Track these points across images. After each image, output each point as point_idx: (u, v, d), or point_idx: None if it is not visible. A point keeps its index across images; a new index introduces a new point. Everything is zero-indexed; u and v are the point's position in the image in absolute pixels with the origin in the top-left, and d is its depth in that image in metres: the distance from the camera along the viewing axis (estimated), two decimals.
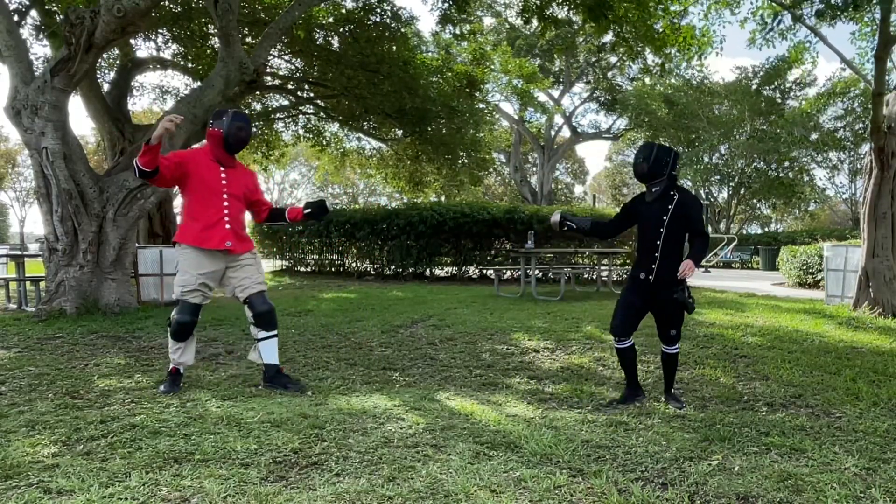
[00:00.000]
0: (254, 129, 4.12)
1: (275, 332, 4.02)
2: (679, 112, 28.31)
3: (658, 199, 3.68)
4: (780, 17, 8.79)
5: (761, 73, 28.40)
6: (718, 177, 30.65)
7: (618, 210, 4.15)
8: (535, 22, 11.07)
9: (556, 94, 31.70)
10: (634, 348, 3.84)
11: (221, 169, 3.89)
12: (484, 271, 13.93)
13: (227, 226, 3.86)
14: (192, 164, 3.83)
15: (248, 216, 4.24)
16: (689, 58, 11.14)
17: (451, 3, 11.72)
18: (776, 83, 28.19)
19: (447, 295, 9.79)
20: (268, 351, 4.00)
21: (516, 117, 30.42)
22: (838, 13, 8.01)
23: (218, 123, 3.84)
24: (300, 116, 16.51)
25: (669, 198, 3.65)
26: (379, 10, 12.65)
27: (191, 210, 3.87)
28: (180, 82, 16.24)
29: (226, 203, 3.87)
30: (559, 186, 45.81)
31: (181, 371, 4.03)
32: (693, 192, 32.70)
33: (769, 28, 8.96)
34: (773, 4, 9.16)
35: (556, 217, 3.87)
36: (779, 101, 28.69)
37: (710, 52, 11.01)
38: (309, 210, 4.11)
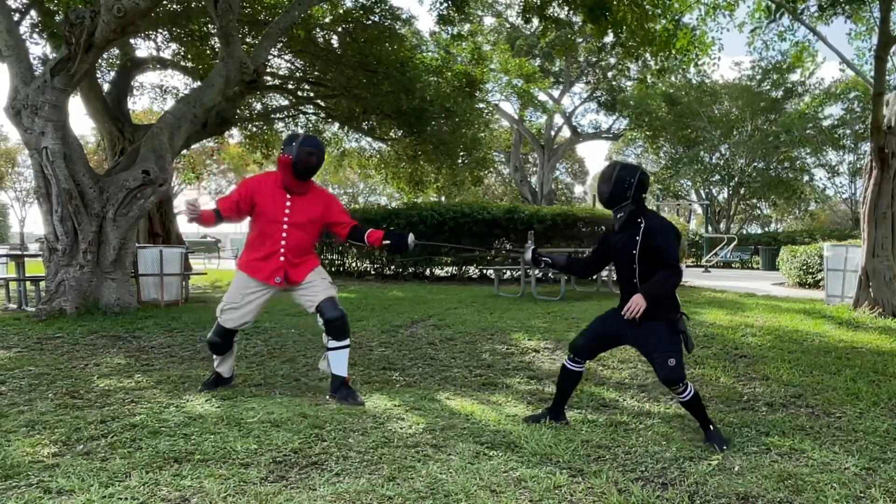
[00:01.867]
0: (322, 149, 3.87)
1: (346, 343, 3.83)
2: (679, 111, 28.32)
3: (624, 228, 3.19)
4: (781, 13, 8.77)
5: (759, 70, 28.38)
6: (718, 177, 30.65)
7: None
8: (535, 22, 11.06)
9: (556, 94, 31.68)
10: (580, 376, 3.43)
11: (287, 196, 3.76)
12: (484, 271, 13.93)
13: (282, 258, 3.75)
14: (259, 193, 3.75)
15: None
16: (689, 62, 11.14)
17: (449, 2, 11.72)
18: (776, 79, 28.15)
19: (447, 295, 9.80)
20: (336, 361, 3.82)
21: (516, 117, 30.41)
22: (839, 7, 8.01)
23: (288, 149, 3.68)
24: (300, 116, 16.51)
25: (636, 226, 3.14)
26: (378, 10, 12.65)
27: (251, 238, 3.84)
28: (180, 82, 16.27)
29: (284, 234, 3.74)
30: (559, 186, 45.80)
31: (224, 376, 4.02)
32: (691, 195, 32.61)
33: (770, 20, 8.94)
34: (772, 3, 9.16)
35: (528, 255, 3.52)
36: (780, 98, 28.67)
37: (708, 61, 11.03)
38: (388, 242, 3.87)
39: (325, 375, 4.02)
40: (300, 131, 16.76)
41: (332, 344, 3.79)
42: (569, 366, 3.37)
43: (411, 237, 3.86)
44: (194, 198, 3.61)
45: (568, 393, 3.44)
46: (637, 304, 3.01)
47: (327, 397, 3.82)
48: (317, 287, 3.81)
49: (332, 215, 3.90)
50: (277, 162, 3.80)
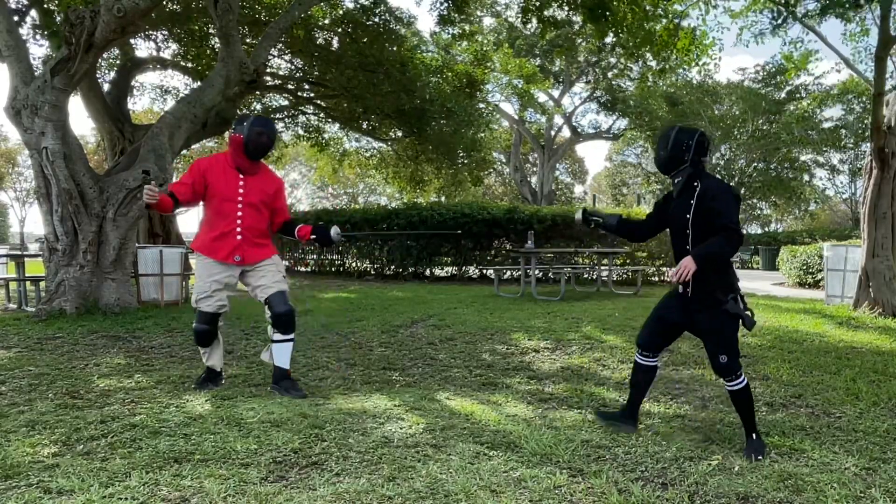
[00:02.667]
0: (277, 133, 3.97)
1: (291, 337, 3.91)
2: (680, 112, 28.32)
3: (681, 194, 3.03)
4: (784, 14, 8.76)
5: (763, 73, 28.38)
6: (719, 177, 30.66)
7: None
8: (534, 22, 11.06)
9: (556, 94, 31.69)
10: (655, 370, 3.24)
11: (240, 176, 3.80)
12: (484, 271, 13.93)
13: (239, 236, 3.77)
14: (211, 172, 3.77)
15: None
16: (690, 63, 11.15)
17: (449, 3, 11.72)
18: (779, 81, 28.16)
19: (447, 295, 9.79)
20: (280, 354, 3.89)
21: (516, 117, 30.41)
22: (836, 12, 8.01)
23: (239, 129, 3.74)
24: (300, 116, 16.52)
25: (692, 190, 2.98)
26: (378, 11, 12.66)
27: (206, 217, 3.85)
28: (180, 82, 16.28)
29: (240, 213, 3.77)
30: (559, 186, 45.79)
31: (216, 370, 4.03)
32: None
33: (774, 25, 8.94)
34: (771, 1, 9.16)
35: (578, 215, 3.41)
36: (781, 99, 28.67)
37: (708, 60, 11.03)
38: (314, 236, 4.02)
39: (268, 363, 4.08)
40: (300, 131, 16.83)
41: (278, 337, 3.85)
42: (638, 360, 3.26)
43: (334, 230, 4.02)
44: (154, 188, 3.58)
45: (638, 392, 3.29)
46: (686, 266, 2.80)
47: (269, 388, 3.93)
48: (269, 276, 3.85)
49: (278, 202, 3.97)
50: (229, 141, 3.84)
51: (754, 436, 2.96)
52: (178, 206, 3.82)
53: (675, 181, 3.05)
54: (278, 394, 3.83)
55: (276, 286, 3.84)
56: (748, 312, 2.93)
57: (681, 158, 2.98)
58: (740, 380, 2.96)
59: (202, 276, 3.82)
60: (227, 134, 17.41)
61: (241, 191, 3.78)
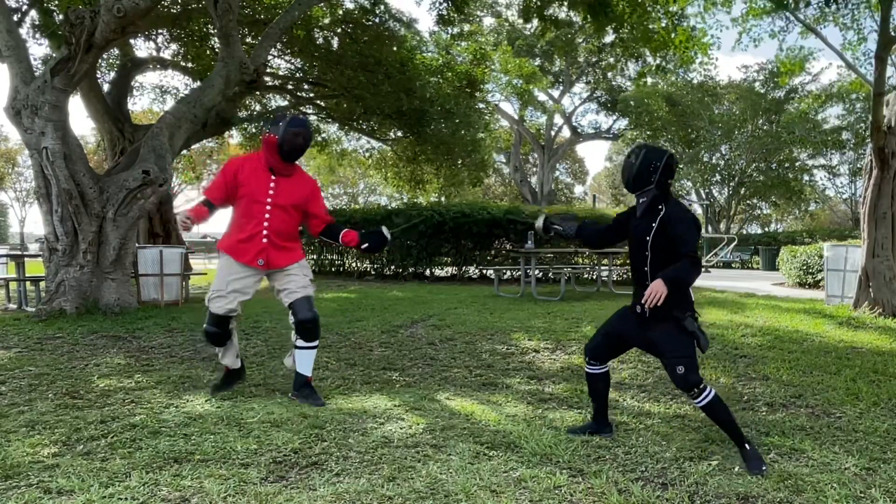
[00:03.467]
0: (313, 134, 3.70)
1: (315, 344, 3.80)
2: (680, 112, 28.33)
3: (644, 214, 3.03)
4: (784, 13, 8.77)
5: (765, 72, 28.38)
6: (719, 177, 30.65)
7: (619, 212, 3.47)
8: (535, 22, 11.06)
9: (556, 94, 31.71)
10: (608, 376, 3.26)
11: (272, 178, 3.68)
12: (484, 271, 13.93)
13: (265, 239, 3.65)
14: (242, 172, 3.68)
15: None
16: (689, 61, 11.15)
17: (448, 3, 11.71)
18: (780, 81, 28.18)
19: (447, 295, 9.79)
20: (303, 360, 3.78)
21: (516, 117, 30.42)
22: (835, 7, 8.00)
23: (274, 129, 3.61)
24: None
25: (655, 213, 2.98)
26: (377, 11, 12.66)
27: (234, 218, 3.75)
28: (180, 82, 16.23)
29: (267, 215, 3.65)
30: (559, 186, 45.79)
31: (233, 367, 3.93)
32: (692, 195, 32.66)
33: (772, 28, 8.96)
34: (771, 2, 9.17)
35: (539, 222, 3.42)
36: (782, 98, 28.67)
37: (706, 59, 11.05)
38: (366, 244, 3.85)
39: (290, 369, 3.97)
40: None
41: (301, 343, 3.76)
42: (589, 370, 3.22)
43: (385, 230, 3.86)
44: (184, 212, 3.56)
45: (601, 399, 3.24)
46: (657, 290, 2.75)
47: (289, 395, 3.81)
48: (296, 280, 3.74)
49: (312, 205, 3.83)
50: (262, 142, 3.73)
51: (747, 446, 2.83)
52: (215, 210, 3.74)
53: (640, 201, 3.04)
54: (298, 401, 3.70)
55: (302, 291, 3.73)
56: (702, 333, 2.90)
57: (647, 179, 2.98)
58: (706, 393, 2.85)
59: (221, 275, 3.71)
60: (227, 135, 17.31)
61: (270, 192, 3.67)
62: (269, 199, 3.66)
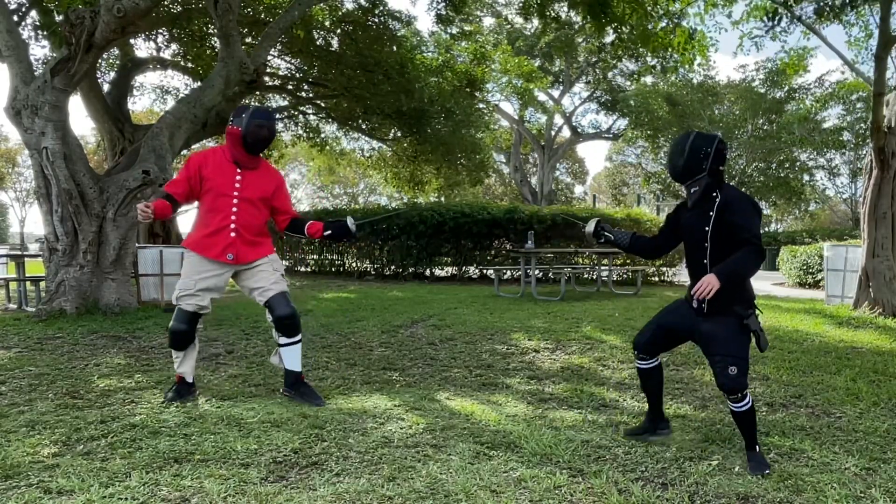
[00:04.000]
0: (277, 125, 3.58)
1: (298, 339, 3.72)
2: (680, 112, 28.32)
3: (698, 204, 2.86)
4: (780, 16, 8.78)
5: (764, 71, 28.37)
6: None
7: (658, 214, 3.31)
8: (535, 21, 11.05)
9: (556, 94, 31.71)
10: (661, 370, 3.12)
11: (238, 171, 3.61)
12: (484, 271, 13.94)
13: (233, 233, 3.57)
14: (206, 166, 3.60)
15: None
16: (688, 62, 11.15)
17: (446, 2, 11.71)
18: (779, 80, 28.16)
19: (447, 295, 9.79)
20: (289, 356, 3.70)
21: (516, 117, 30.42)
22: (836, 13, 8.01)
23: (237, 121, 3.55)
24: (300, 117, 16.52)
25: (711, 201, 2.81)
26: (377, 12, 12.66)
27: (200, 213, 3.66)
28: (180, 82, 16.25)
29: (235, 209, 3.58)
30: (559, 186, 45.80)
31: (187, 380, 3.71)
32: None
33: (769, 27, 8.95)
34: (771, 3, 9.16)
35: (590, 227, 3.21)
36: (782, 98, 28.67)
37: (704, 61, 11.04)
38: (329, 232, 3.78)
39: (279, 367, 3.88)
40: (300, 131, 16.82)
41: (283, 340, 3.67)
42: (639, 364, 3.10)
43: (350, 220, 3.79)
44: (144, 202, 3.49)
45: (655, 395, 3.12)
46: (709, 283, 2.61)
47: (282, 391, 3.76)
48: (266, 277, 3.65)
49: (278, 199, 3.76)
50: (226, 134, 3.62)
51: (757, 448, 2.82)
52: (178, 206, 3.68)
53: (692, 191, 2.87)
54: (294, 399, 3.64)
55: (276, 287, 3.64)
56: (762, 333, 2.79)
57: (698, 167, 2.81)
58: (746, 400, 2.74)
59: (189, 272, 3.60)
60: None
61: (237, 185, 3.59)
62: (235, 193, 3.59)
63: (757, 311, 2.81)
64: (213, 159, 3.63)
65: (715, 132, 3.25)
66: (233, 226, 3.58)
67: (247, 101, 14.93)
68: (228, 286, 3.91)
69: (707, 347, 2.83)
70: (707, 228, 2.80)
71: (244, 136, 3.53)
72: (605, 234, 3.20)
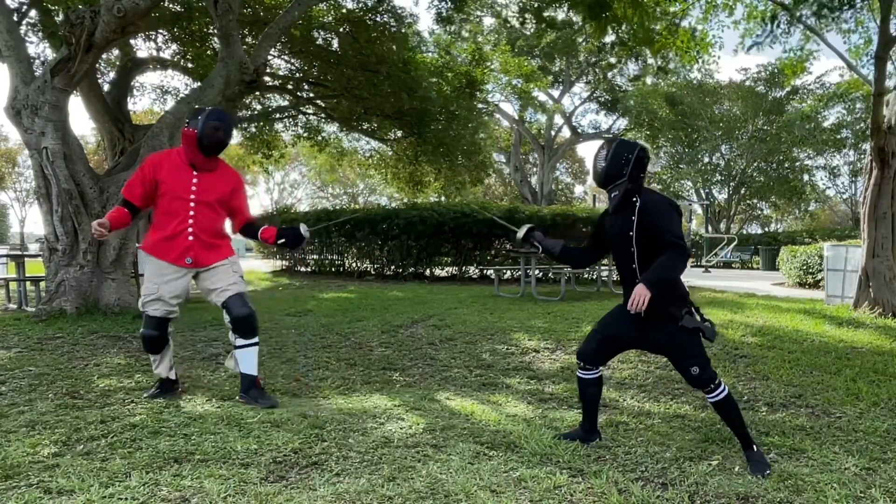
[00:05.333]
0: (238, 128, 3.52)
1: (255, 341, 3.63)
2: (680, 112, 28.32)
3: (619, 210, 2.90)
4: (779, 19, 8.78)
5: (766, 73, 28.37)
6: (719, 177, 30.67)
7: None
8: (532, 23, 11.05)
9: (556, 94, 31.71)
10: (601, 381, 3.11)
11: (194, 173, 3.56)
12: (484, 271, 13.94)
13: (191, 237, 3.53)
14: (161, 169, 3.55)
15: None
16: (688, 61, 11.15)
17: (447, 1, 11.70)
18: (781, 81, 28.16)
19: (447, 295, 9.79)
20: (245, 360, 3.61)
21: (516, 117, 30.43)
22: (835, 13, 8.01)
23: (193, 123, 3.50)
24: (300, 117, 16.52)
25: (631, 206, 2.86)
26: (378, 10, 12.65)
27: (156, 216, 3.60)
28: (180, 82, 16.23)
29: (192, 212, 3.53)
30: (559, 186, 45.79)
31: (170, 377, 3.77)
32: (692, 195, 32.54)
33: (769, 31, 8.96)
34: (772, 4, 9.17)
35: (521, 233, 3.21)
36: (782, 98, 28.67)
37: (708, 58, 11.04)
38: (282, 240, 3.72)
39: (235, 374, 3.80)
40: (300, 131, 16.82)
41: (240, 342, 3.59)
42: (581, 374, 3.08)
43: (303, 227, 3.74)
44: (97, 221, 3.49)
45: (592, 405, 3.10)
46: (640, 295, 2.65)
47: (237, 398, 3.65)
48: (224, 278, 3.60)
49: (235, 200, 3.71)
50: (182, 136, 3.59)
51: (755, 447, 2.81)
52: (138, 212, 3.63)
53: (612, 195, 2.90)
54: (247, 404, 3.53)
55: (233, 288, 3.58)
56: (707, 323, 2.80)
57: (619, 173, 2.85)
58: (720, 389, 2.78)
59: (151, 277, 3.58)
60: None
61: (193, 188, 3.54)
62: (192, 196, 3.54)
63: (692, 307, 2.84)
64: (168, 161, 3.59)
65: (637, 141, 3.19)
66: (190, 230, 3.54)
67: (247, 111, 14.98)
68: None
69: (664, 355, 2.92)
70: (632, 233, 2.83)
71: (200, 138, 3.48)
72: (535, 242, 3.19)
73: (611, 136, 33.79)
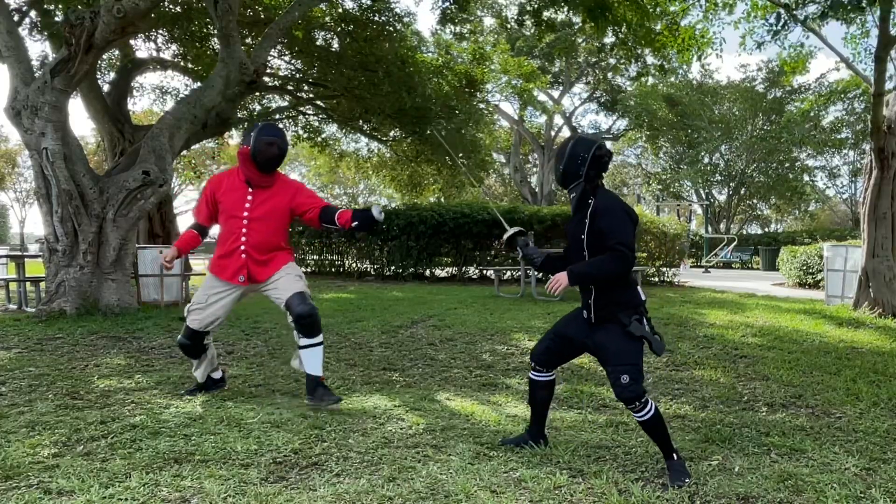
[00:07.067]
0: (287, 142, 3.43)
1: (319, 340, 3.60)
2: (680, 112, 28.32)
3: (576, 210, 2.79)
4: (783, 20, 8.78)
5: (765, 71, 28.37)
6: (719, 177, 30.67)
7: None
8: (531, 25, 11.02)
9: (555, 94, 31.71)
10: (553, 384, 3.00)
11: (249, 190, 3.58)
12: (484, 271, 13.93)
13: (244, 255, 3.56)
14: (220, 189, 3.63)
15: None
16: (688, 60, 11.15)
17: (451, 0, 11.70)
18: (781, 80, 28.14)
19: (447, 295, 9.80)
20: (309, 360, 3.56)
21: (516, 117, 30.43)
22: (839, 15, 8.01)
23: (246, 140, 3.54)
24: (300, 117, 16.52)
25: (586, 207, 2.74)
26: (377, 9, 12.66)
27: (218, 236, 3.69)
28: (180, 83, 16.26)
29: (244, 230, 3.55)
30: (559, 187, 45.75)
31: (214, 376, 3.89)
32: (692, 195, 32.49)
33: (774, 31, 8.95)
34: (772, 3, 9.16)
35: (506, 236, 3.04)
36: (781, 98, 28.66)
37: (708, 55, 11.02)
38: (356, 223, 3.57)
39: (301, 375, 3.78)
40: (300, 132, 16.82)
41: (304, 341, 3.57)
42: (533, 376, 2.98)
43: (376, 209, 3.58)
44: (163, 256, 3.61)
45: (541, 408, 3.01)
46: (558, 280, 2.63)
47: (305, 401, 3.57)
48: (283, 283, 3.60)
49: (299, 204, 3.66)
50: (238, 156, 3.60)
51: (675, 456, 2.66)
52: (207, 232, 3.74)
53: (571, 196, 2.80)
54: (313, 406, 3.48)
55: (293, 287, 3.58)
56: (656, 336, 2.68)
57: (576, 173, 2.74)
58: (648, 408, 2.61)
59: (204, 288, 3.67)
60: (227, 136, 17.29)
61: (247, 206, 3.57)
62: (245, 214, 3.57)
63: (644, 315, 2.71)
64: (227, 181, 3.66)
65: (596, 138, 3.05)
66: (243, 248, 3.56)
67: (247, 111, 14.97)
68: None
69: (600, 359, 2.77)
70: (583, 236, 2.73)
71: (254, 154, 3.49)
72: (518, 248, 3.01)
73: (610, 136, 33.84)
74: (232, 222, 3.59)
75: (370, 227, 3.58)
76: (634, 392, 2.60)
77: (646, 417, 2.62)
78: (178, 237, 3.69)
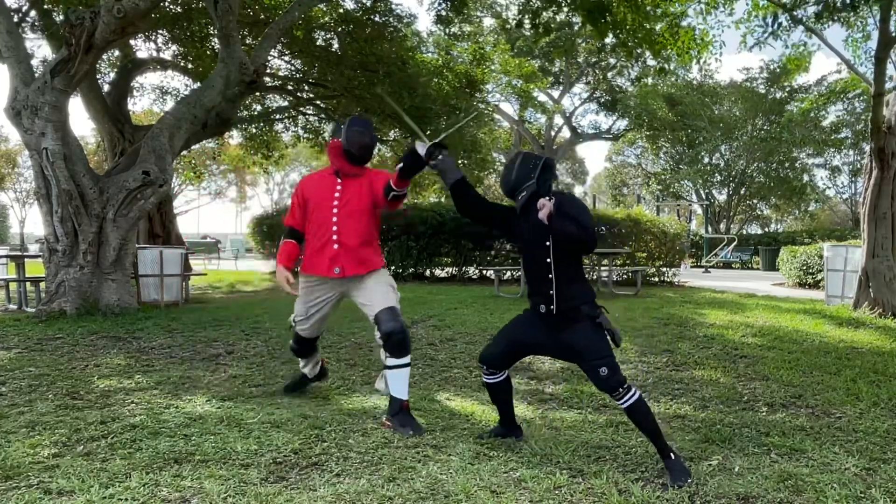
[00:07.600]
0: (370, 133, 3.32)
1: (406, 361, 3.40)
2: (680, 112, 28.32)
3: (528, 211, 2.85)
4: (779, 21, 8.79)
5: (766, 72, 28.36)
6: (719, 177, 30.67)
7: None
8: (528, 26, 11.00)
9: (555, 94, 31.71)
10: (510, 381, 3.08)
11: (338, 181, 3.49)
12: (484, 271, 13.94)
13: (336, 245, 3.43)
14: (307, 187, 3.57)
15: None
16: (688, 61, 11.14)
17: (447, 3, 11.70)
18: (781, 81, 28.13)
19: (447, 295, 9.79)
20: (395, 381, 3.35)
21: (516, 118, 30.43)
22: (836, 14, 8.02)
23: (337, 134, 3.48)
24: (300, 117, 16.52)
25: (535, 204, 2.81)
26: (378, 10, 12.66)
27: (307, 236, 3.58)
28: (180, 83, 16.28)
29: (335, 219, 3.44)
30: (559, 186, 45.73)
31: (309, 376, 4.01)
32: (692, 195, 32.48)
33: (769, 31, 8.96)
34: (771, 3, 9.17)
35: (420, 147, 3.08)
36: (781, 98, 28.65)
37: (708, 57, 11.01)
38: (401, 165, 3.24)
39: (384, 394, 3.56)
40: (300, 132, 16.80)
41: (391, 361, 3.38)
42: (487, 379, 3.04)
43: (420, 144, 3.21)
44: (279, 280, 3.59)
45: (505, 405, 3.08)
46: (545, 205, 2.65)
47: (383, 419, 3.33)
48: (375, 293, 3.52)
49: (376, 189, 3.47)
50: (328, 152, 3.54)
51: (672, 455, 2.65)
52: (303, 239, 3.65)
53: (519, 198, 2.88)
54: (392, 430, 3.18)
55: (384, 302, 3.46)
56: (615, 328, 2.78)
57: (527, 176, 2.87)
58: (631, 393, 2.67)
59: (302, 298, 3.62)
60: (228, 136, 17.22)
61: (336, 195, 3.47)
62: (335, 203, 3.47)
63: (602, 308, 2.80)
64: (314, 179, 3.63)
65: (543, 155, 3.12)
66: (335, 237, 3.45)
67: (248, 111, 14.97)
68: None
69: (574, 358, 2.80)
70: (550, 233, 2.76)
71: (346, 146, 3.42)
72: (436, 158, 3.06)
73: (610, 136, 33.87)
74: (321, 212, 3.48)
75: (415, 164, 3.22)
76: (616, 381, 2.68)
77: (628, 403, 2.67)
78: (279, 254, 3.57)
